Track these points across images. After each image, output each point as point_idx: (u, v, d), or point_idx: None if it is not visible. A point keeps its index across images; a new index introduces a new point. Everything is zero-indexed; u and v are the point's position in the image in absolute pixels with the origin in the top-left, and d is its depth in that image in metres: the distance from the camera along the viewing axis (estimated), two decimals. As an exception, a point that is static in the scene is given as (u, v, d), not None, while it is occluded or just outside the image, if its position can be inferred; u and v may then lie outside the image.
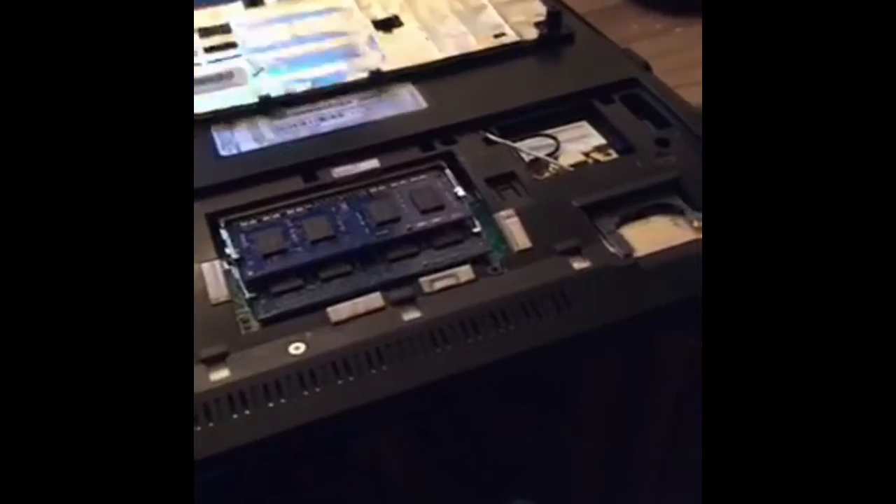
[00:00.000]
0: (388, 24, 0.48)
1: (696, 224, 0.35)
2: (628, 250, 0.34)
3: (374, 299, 0.32)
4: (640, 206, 0.36)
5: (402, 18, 0.48)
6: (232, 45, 0.46)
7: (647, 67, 0.44)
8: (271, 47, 0.46)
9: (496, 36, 0.46)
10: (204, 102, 0.41)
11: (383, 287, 0.33)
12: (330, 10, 0.49)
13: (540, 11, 0.47)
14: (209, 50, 0.46)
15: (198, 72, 0.44)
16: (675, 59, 0.56)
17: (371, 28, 0.47)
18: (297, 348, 0.31)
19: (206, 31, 0.47)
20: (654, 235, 0.35)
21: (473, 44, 0.45)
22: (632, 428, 0.37)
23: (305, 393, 0.29)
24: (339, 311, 0.32)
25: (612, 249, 0.34)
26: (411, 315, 0.32)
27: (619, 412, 0.36)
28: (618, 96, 0.42)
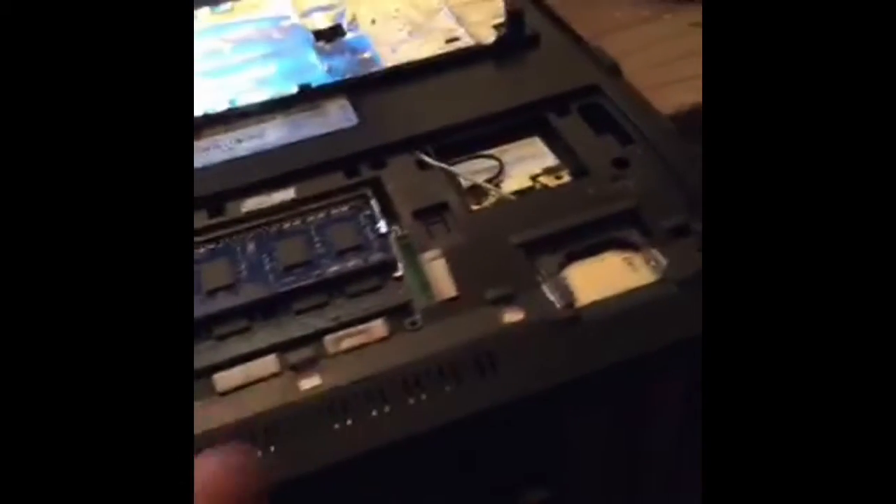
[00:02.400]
0: (330, 34, 0.43)
1: (653, 263, 0.30)
2: (569, 299, 0.29)
3: (269, 363, 0.28)
4: (589, 241, 0.31)
5: (347, 27, 0.43)
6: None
7: (614, 69, 0.39)
8: (198, 63, 0.41)
9: (449, 41, 0.41)
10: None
11: (282, 348, 0.28)
12: (266, 20, 0.44)
13: (502, 11, 0.42)
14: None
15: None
16: (659, 51, 0.50)
17: (310, 38, 0.43)
18: (174, 425, 0.26)
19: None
20: (602, 278, 0.30)
21: (422, 52, 0.41)
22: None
23: None
24: (227, 379, 0.27)
25: (550, 297, 0.29)
26: (310, 382, 0.27)
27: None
28: (576, 107, 0.37)
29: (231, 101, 0.38)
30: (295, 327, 0.29)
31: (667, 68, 0.47)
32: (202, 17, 0.45)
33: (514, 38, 0.40)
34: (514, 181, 0.34)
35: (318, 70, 0.40)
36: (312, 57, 0.41)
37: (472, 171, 0.35)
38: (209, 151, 0.36)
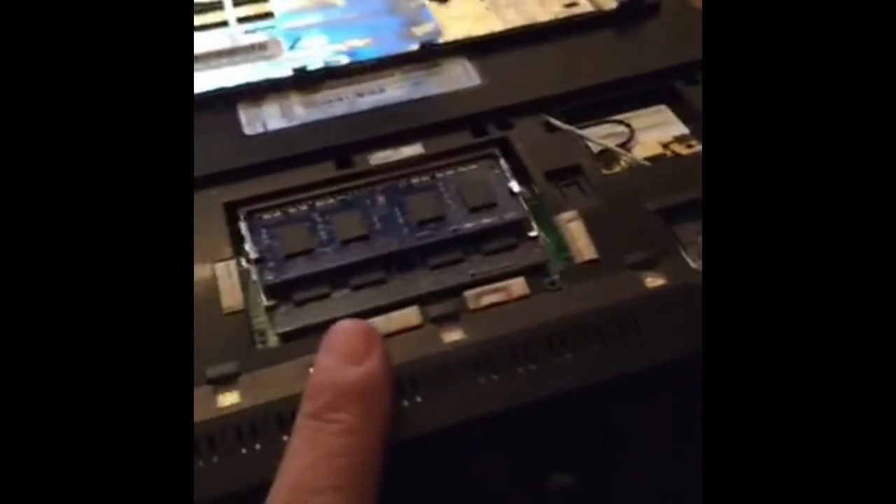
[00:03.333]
0: (445, -7, 0.42)
1: (795, 235, 0.29)
2: (713, 266, 0.28)
3: (410, 315, 0.28)
4: (729, 211, 0.30)
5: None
6: (268, 15, 0.42)
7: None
8: (311, 16, 0.41)
9: (568, 6, 0.41)
10: (231, 76, 0.37)
11: (421, 300, 0.28)
12: (380, -25, 0.44)
13: (618, -22, 0.41)
14: (242, 20, 0.41)
15: (227, 43, 0.39)
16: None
17: (425, -3, 0.42)
18: (318, 370, 0.26)
19: (240, 0, 0.43)
20: (743, 248, 0.29)
21: (541, 15, 0.40)
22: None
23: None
24: (369, 328, 0.27)
25: (692, 264, 0.29)
26: (453, 336, 0.27)
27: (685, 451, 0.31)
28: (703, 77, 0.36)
29: (350, 55, 0.38)
30: (432, 281, 0.29)
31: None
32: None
33: (636, 4, 0.40)
34: (645, 148, 0.34)
35: (433, 29, 0.40)
36: (427, 15, 0.41)
37: (600, 135, 0.34)
38: (331, 104, 0.36)
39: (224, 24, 0.41)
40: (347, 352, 0.24)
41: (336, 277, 0.29)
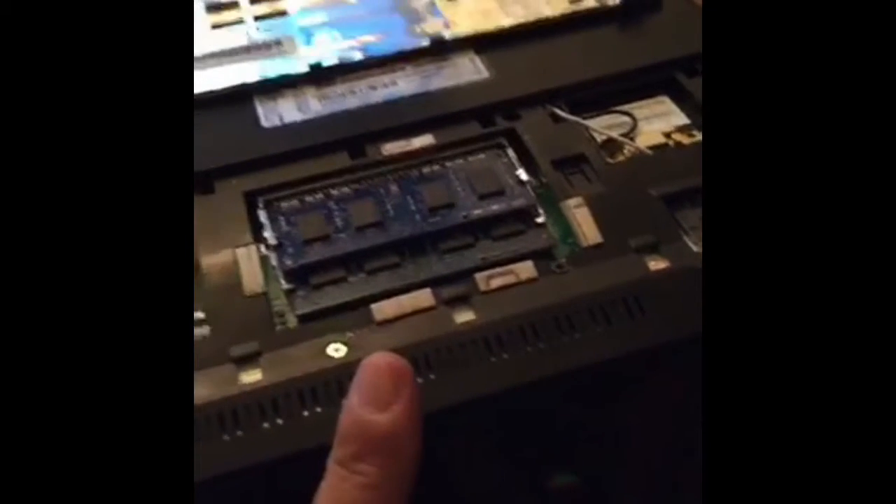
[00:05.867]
0: (453, -10, 0.44)
1: (793, 220, 0.30)
2: (714, 249, 0.29)
3: (424, 297, 0.29)
4: (729, 197, 0.31)
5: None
6: (282, 13, 0.43)
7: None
8: (324, 14, 0.42)
9: (573, 2, 0.42)
10: (248, 72, 0.38)
11: (434, 283, 0.29)
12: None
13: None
14: (259, 18, 0.43)
15: (244, 40, 0.41)
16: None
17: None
18: (336, 350, 0.28)
19: (256, -1, 0.44)
20: (743, 232, 0.30)
21: (547, 11, 0.41)
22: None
23: (345, 402, 0.26)
24: (384, 309, 0.29)
25: (695, 248, 0.30)
26: (464, 316, 0.28)
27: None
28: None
29: (363, 51, 0.39)
30: (443, 265, 0.30)
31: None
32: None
33: (639, 0, 0.41)
34: (648, 137, 0.35)
35: (442, 24, 0.41)
36: (437, 12, 0.42)
37: (604, 125, 0.35)
38: (345, 97, 0.37)
39: (240, 21, 0.43)
40: (375, 395, 0.23)
41: (351, 262, 0.30)
